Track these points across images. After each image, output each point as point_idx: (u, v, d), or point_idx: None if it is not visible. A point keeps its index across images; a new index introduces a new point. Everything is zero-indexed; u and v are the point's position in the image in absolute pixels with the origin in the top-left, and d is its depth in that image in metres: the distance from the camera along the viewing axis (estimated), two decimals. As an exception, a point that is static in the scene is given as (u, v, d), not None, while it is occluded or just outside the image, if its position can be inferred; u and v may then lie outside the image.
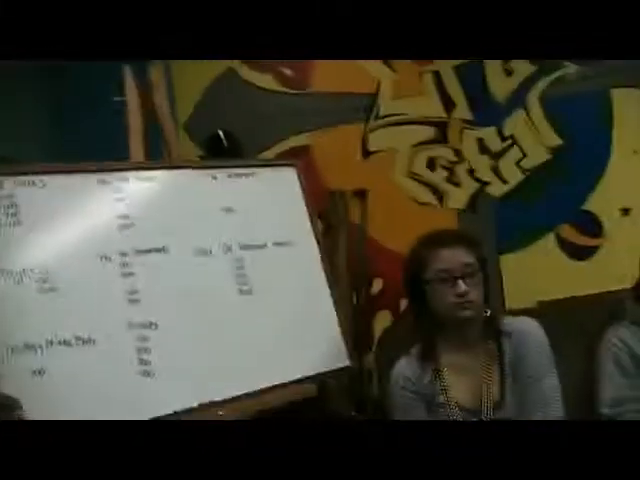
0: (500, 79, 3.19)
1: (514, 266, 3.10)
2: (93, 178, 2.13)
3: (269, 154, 3.32)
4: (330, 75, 3.35)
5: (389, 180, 3.28)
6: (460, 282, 1.94)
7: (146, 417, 1.88)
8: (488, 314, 2.02)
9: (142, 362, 1.98)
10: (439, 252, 1.98)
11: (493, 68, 3.18)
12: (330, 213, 3.16)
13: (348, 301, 3.08)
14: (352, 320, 2.99)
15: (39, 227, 1.98)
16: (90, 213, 2.09)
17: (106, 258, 2.04)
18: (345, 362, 2.42)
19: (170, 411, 1.95)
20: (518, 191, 3.17)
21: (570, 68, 3.10)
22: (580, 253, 3.08)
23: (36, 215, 1.99)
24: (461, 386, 1.98)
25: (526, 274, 3.08)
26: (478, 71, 3.20)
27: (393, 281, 3.00)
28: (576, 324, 2.69)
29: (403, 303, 3.15)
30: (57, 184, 2.06)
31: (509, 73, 3.18)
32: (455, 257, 1.97)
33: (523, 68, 3.16)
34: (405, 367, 2.05)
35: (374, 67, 3.30)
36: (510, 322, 2.04)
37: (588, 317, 2.70)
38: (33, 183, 2.03)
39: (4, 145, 2.78)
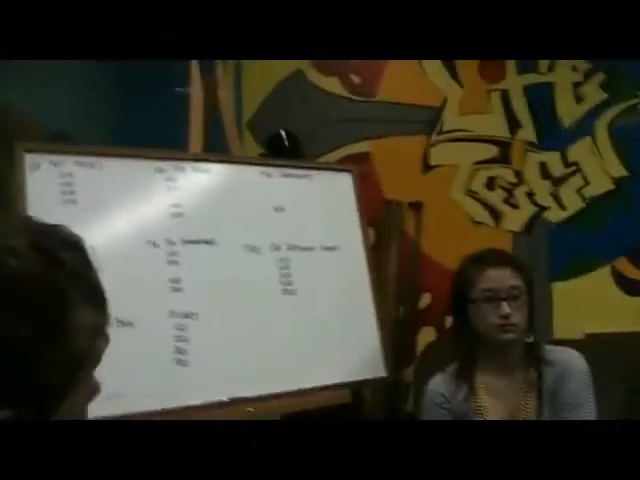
0: (569, 104, 3.13)
1: (565, 295, 3.04)
2: (150, 165, 2.16)
3: (330, 158, 3.32)
4: (397, 85, 3.34)
5: (446, 196, 3.25)
6: (504, 304, 1.90)
7: (175, 405, 1.90)
8: (531, 340, 1.99)
9: (178, 350, 1.99)
10: (486, 271, 1.95)
11: (563, 92, 3.13)
12: (384, 222, 3.14)
13: (393, 313, 3.06)
14: (395, 332, 2.97)
15: (92, 208, 2.01)
16: (143, 199, 2.12)
17: (154, 244, 2.06)
18: (382, 373, 2.39)
19: (200, 402, 1.96)
20: (576, 219, 3.11)
21: (641, 98, 3.03)
22: (634, 288, 3.00)
23: (91, 196, 2.02)
24: (495, 408, 1.95)
25: (576, 304, 3.01)
26: (547, 94, 3.15)
27: (441, 297, 2.96)
28: (622, 361, 2.63)
29: (449, 320, 3.11)
30: (114, 168, 2.09)
31: (579, 99, 3.12)
32: (501, 278, 1.93)
33: (594, 95, 3.10)
34: (440, 384, 2.03)
35: (442, 81, 3.28)
36: (553, 351, 1.99)
37: (636, 355, 2.64)
38: (91, 165, 2.06)
39: (64, 124, 2.84)
